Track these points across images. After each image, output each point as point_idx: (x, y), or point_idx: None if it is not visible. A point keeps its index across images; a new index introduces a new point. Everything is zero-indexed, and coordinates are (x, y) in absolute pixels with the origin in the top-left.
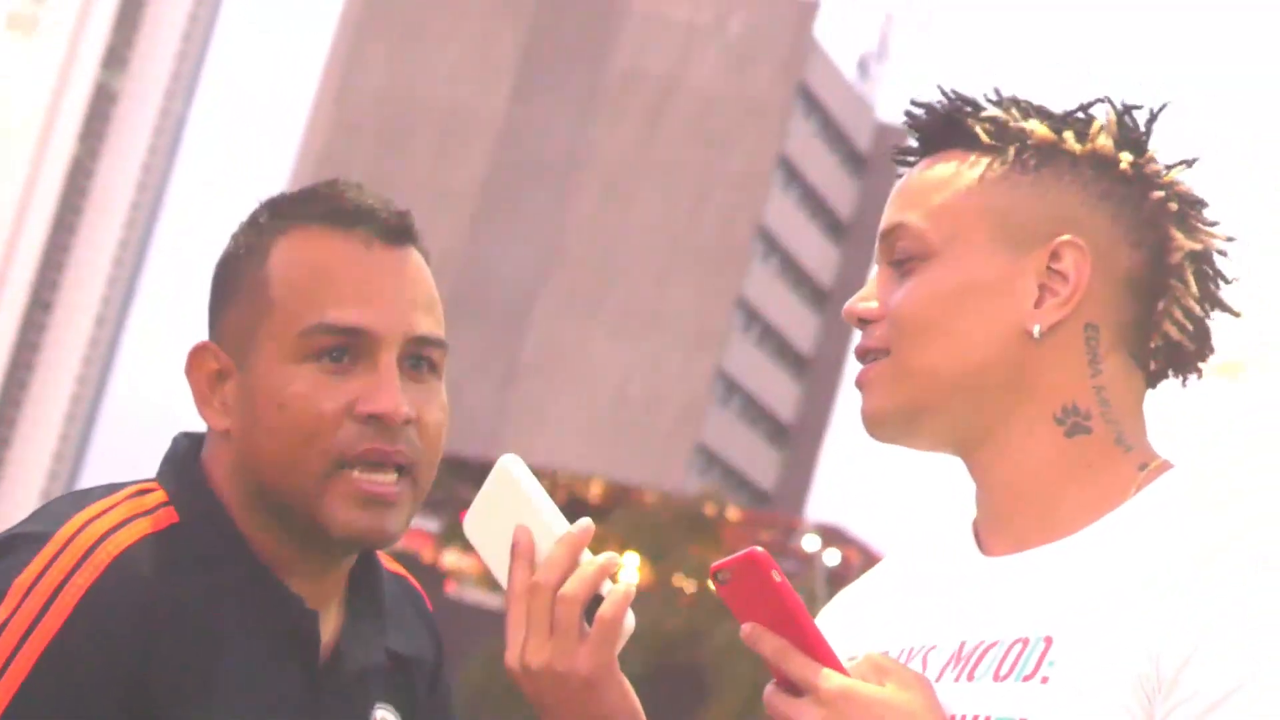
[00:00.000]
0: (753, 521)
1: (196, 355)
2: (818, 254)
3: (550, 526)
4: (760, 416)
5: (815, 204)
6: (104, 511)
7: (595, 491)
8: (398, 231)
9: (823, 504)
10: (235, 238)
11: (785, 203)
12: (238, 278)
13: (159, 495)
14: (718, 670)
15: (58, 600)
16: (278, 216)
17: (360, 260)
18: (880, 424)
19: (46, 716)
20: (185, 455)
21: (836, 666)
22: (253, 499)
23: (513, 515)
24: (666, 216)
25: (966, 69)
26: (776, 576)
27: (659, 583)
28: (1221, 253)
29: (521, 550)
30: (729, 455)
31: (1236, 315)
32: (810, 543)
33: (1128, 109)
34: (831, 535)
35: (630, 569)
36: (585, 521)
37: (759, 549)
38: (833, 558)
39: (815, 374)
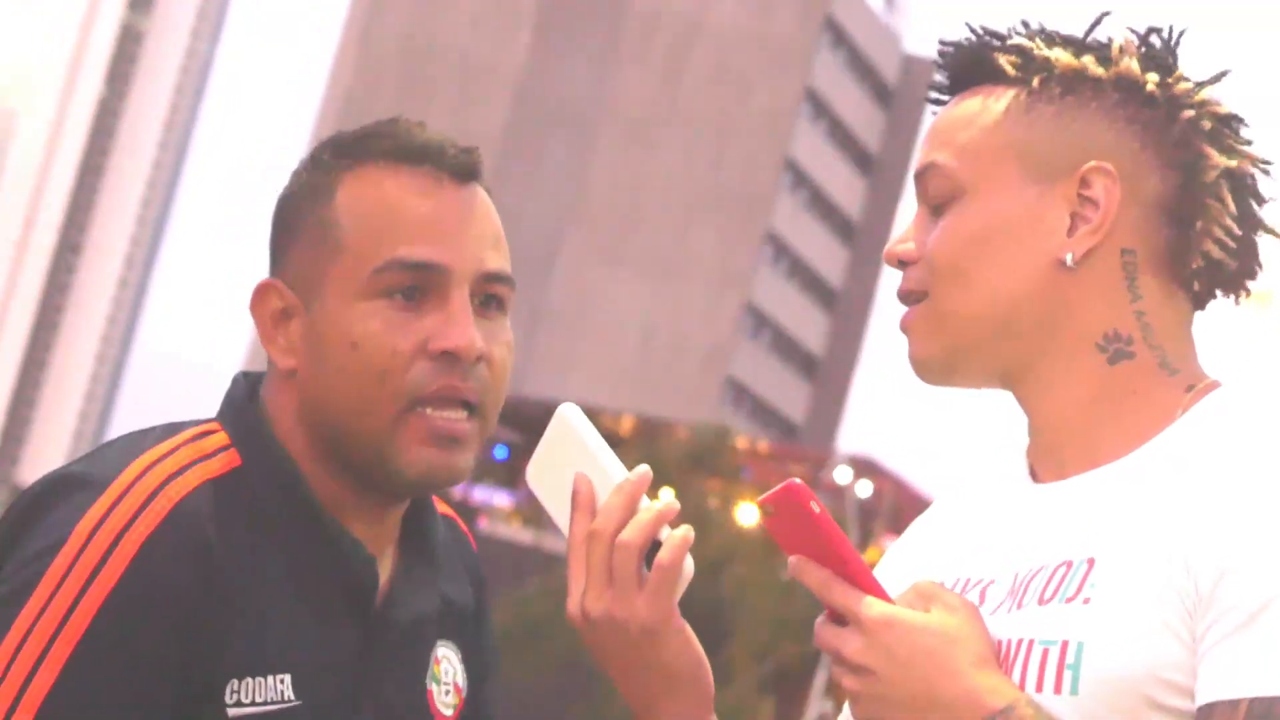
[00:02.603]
0: (783, 454)
1: (261, 293)
2: (845, 187)
3: (609, 474)
4: (790, 350)
5: (843, 137)
6: (164, 456)
7: (625, 427)
8: (466, 168)
9: (854, 436)
10: (298, 175)
11: (813, 136)
12: (303, 216)
13: (220, 438)
14: (738, 606)
15: (118, 549)
16: (342, 154)
17: (430, 197)
18: (926, 368)
19: (109, 665)
20: (246, 396)
21: (880, 595)
22: (317, 440)
23: (572, 464)
24: (692, 157)
25: (994, 1)
26: (815, 508)
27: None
28: (1264, 169)
29: (581, 499)
30: (759, 389)
31: (1275, 233)
32: (842, 475)
33: (1151, 30)
34: (863, 467)
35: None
36: (643, 468)
37: (796, 481)
38: (864, 489)
39: (844, 306)
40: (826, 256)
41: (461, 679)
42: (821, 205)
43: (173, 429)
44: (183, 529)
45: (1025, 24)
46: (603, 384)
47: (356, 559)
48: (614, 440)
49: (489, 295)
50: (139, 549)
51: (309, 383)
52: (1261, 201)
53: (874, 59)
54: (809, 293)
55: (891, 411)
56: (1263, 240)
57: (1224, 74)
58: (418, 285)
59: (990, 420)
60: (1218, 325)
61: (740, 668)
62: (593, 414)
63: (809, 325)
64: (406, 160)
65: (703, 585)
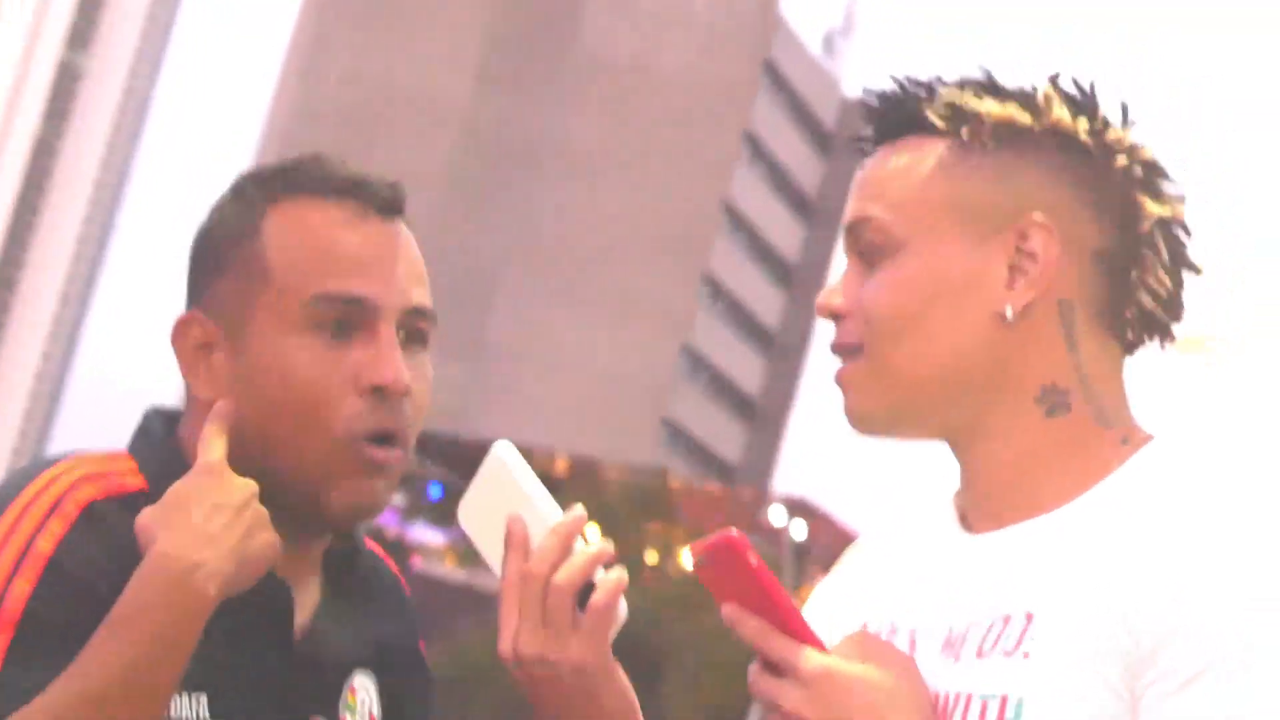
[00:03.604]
0: (719, 496)
1: (182, 326)
2: (783, 231)
3: (544, 515)
4: (727, 391)
5: (781, 181)
6: (70, 469)
7: (560, 467)
8: (391, 203)
9: (789, 478)
10: (220, 210)
11: (751, 180)
12: (225, 248)
13: (128, 464)
14: (673, 649)
15: (32, 549)
16: (267, 187)
17: (358, 230)
18: (865, 422)
19: (47, 655)
20: (159, 429)
21: (817, 646)
22: (237, 470)
23: (506, 503)
24: (633, 196)
25: (932, 44)
26: (753, 560)
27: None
28: (1183, 216)
29: (515, 539)
30: (696, 430)
31: (1199, 272)
32: (777, 516)
33: (1055, 75)
34: (798, 508)
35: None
36: (578, 509)
37: (734, 531)
38: (799, 531)
39: (781, 349)
40: (764, 299)
41: (377, 710)
42: (759, 248)
43: (79, 452)
44: (95, 528)
45: (948, 75)
46: (541, 423)
47: (268, 585)
48: (550, 480)
49: (412, 330)
50: (56, 546)
51: (234, 414)
52: (1189, 236)
53: (813, 103)
54: (746, 335)
55: (827, 454)
56: (1197, 287)
57: (1134, 122)
58: (346, 319)
59: (926, 465)
60: (1151, 373)
61: (674, 709)
62: (528, 453)
63: (746, 368)
64: (333, 193)
65: (635, 626)
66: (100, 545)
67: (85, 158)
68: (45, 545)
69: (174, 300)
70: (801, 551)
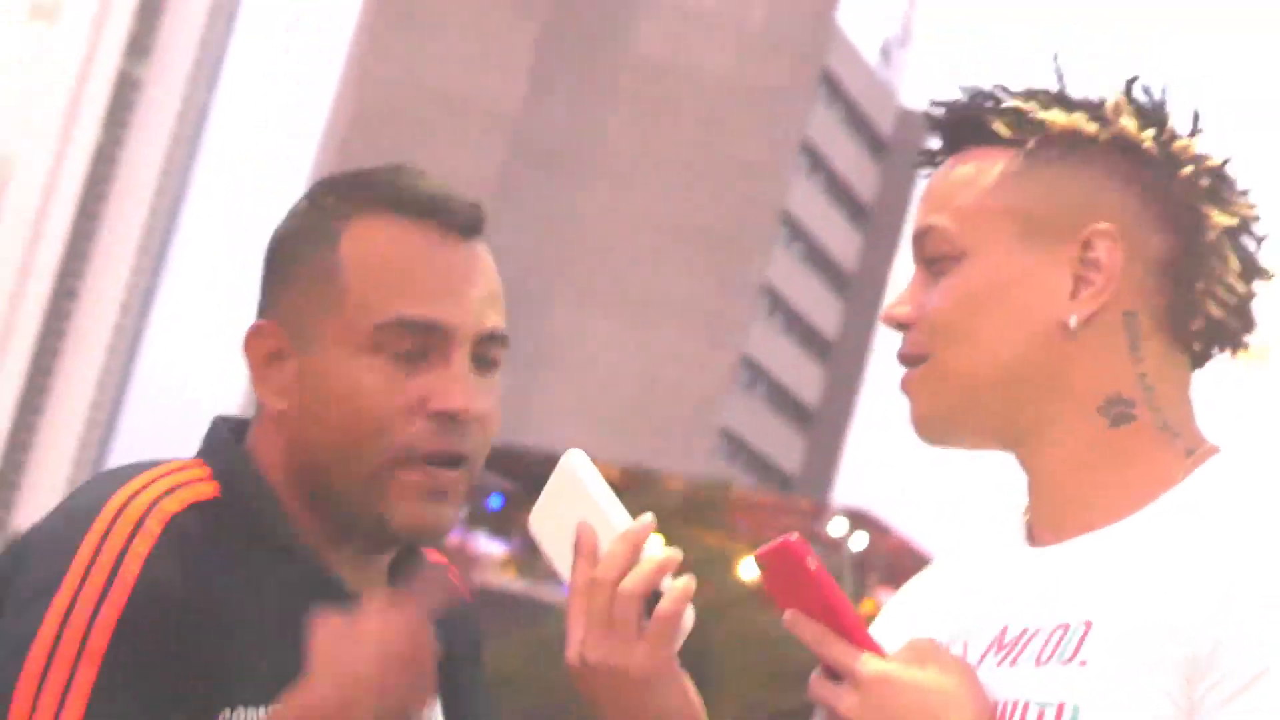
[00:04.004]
0: (777, 506)
1: (254, 335)
2: (841, 240)
3: (612, 522)
4: (785, 402)
5: (838, 190)
6: (148, 484)
7: (611, 477)
8: (470, 224)
9: (849, 488)
10: (296, 217)
11: (808, 189)
12: (302, 259)
13: (202, 472)
14: (728, 658)
15: (120, 572)
16: (345, 200)
17: (435, 253)
18: (928, 429)
19: (133, 686)
20: (227, 436)
21: (876, 651)
22: (303, 482)
23: (576, 511)
24: (687, 204)
25: (989, 54)
26: (812, 564)
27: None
28: (1258, 218)
29: (584, 546)
30: (754, 441)
31: (1269, 278)
32: (837, 527)
33: (1131, 81)
34: (858, 519)
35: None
36: (647, 517)
37: (794, 537)
38: (859, 542)
39: (839, 359)
40: (821, 308)
41: None
42: (817, 258)
43: (153, 464)
44: (178, 545)
45: (1010, 86)
46: (596, 433)
47: (337, 595)
48: (612, 489)
49: (485, 355)
50: (142, 567)
51: (300, 426)
52: (1259, 245)
53: (869, 112)
54: (804, 345)
55: (887, 464)
56: (1260, 293)
57: (1200, 128)
58: (420, 343)
59: (987, 475)
60: (1214, 382)
61: (727, 716)
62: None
63: (804, 377)
64: (413, 213)
65: (694, 635)
66: (186, 563)
67: (145, 167)
68: (132, 568)
69: (234, 309)
70: (861, 562)
